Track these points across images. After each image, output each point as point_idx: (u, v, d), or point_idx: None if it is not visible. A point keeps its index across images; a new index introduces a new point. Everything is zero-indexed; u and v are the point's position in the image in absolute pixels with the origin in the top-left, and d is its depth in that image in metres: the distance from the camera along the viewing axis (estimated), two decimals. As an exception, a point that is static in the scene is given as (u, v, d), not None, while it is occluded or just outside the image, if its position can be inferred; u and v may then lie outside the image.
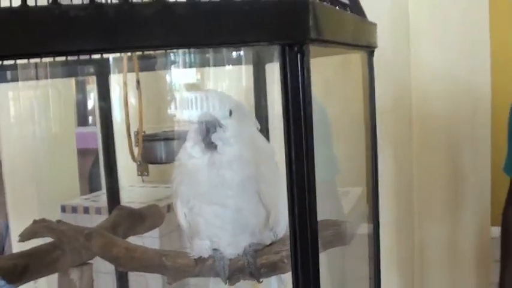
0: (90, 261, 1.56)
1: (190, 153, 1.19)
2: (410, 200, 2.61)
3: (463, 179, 2.56)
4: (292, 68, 0.93)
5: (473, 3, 2.41)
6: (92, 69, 1.96)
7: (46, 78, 2.07)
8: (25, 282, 1.44)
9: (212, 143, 1.16)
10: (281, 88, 0.93)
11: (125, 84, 1.54)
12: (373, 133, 1.44)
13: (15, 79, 1.88)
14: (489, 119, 2.48)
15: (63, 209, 3.18)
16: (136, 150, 1.71)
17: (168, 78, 1.84)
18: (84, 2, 0.72)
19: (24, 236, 1.53)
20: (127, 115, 1.56)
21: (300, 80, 0.93)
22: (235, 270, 1.27)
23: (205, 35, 0.82)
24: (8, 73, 1.88)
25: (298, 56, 0.94)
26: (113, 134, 1.87)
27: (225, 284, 1.28)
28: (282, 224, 1.26)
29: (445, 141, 2.54)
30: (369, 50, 1.46)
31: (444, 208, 2.56)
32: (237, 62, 1.83)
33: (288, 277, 1.40)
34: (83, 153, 4.05)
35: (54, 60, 1.75)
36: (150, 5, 0.75)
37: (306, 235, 0.97)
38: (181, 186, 1.24)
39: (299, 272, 1.00)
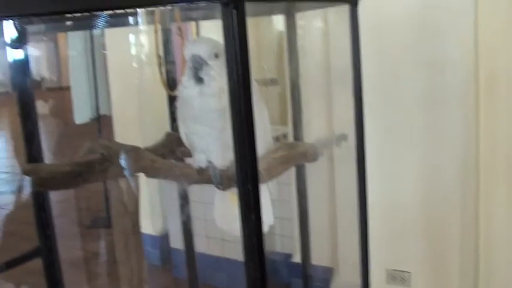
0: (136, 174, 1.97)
1: (185, 85, 1.55)
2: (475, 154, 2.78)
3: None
4: (228, 25, 1.24)
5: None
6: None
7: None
8: (77, 187, 1.88)
9: (200, 77, 1.51)
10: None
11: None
12: (358, 85, 1.70)
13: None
14: None
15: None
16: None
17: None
18: None
19: (82, 152, 1.96)
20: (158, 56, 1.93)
21: (235, 36, 1.25)
22: (226, 178, 1.62)
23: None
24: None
25: (234, 12, 1.24)
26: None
27: (218, 188, 1.65)
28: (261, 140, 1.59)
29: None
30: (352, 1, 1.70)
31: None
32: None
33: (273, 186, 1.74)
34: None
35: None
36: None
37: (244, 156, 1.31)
38: (182, 110, 1.61)
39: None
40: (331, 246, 3.60)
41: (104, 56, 4.58)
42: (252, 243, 1.35)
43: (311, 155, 1.60)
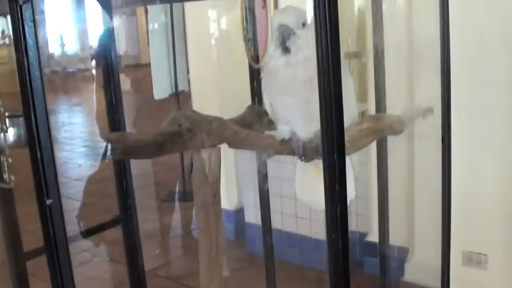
0: (219, 145, 1.99)
1: (272, 55, 1.55)
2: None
3: None
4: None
5: None
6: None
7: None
8: (161, 155, 1.93)
9: (287, 47, 1.51)
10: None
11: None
12: (446, 58, 1.66)
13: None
14: None
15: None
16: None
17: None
18: None
19: (166, 122, 2.00)
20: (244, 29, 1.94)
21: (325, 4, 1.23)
22: (309, 150, 1.62)
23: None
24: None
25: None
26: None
27: (301, 160, 1.64)
28: (347, 114, 1.57)
29: None
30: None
31: None
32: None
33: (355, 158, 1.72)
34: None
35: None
36: None
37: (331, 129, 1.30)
38: (266, 82, 1.61)
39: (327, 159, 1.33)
40: (407, 226, 3.56)
41: (184, 31, 4.64)
42: (336, 214, 1.35)
43: (397, 127, 1.58)
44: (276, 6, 3.02)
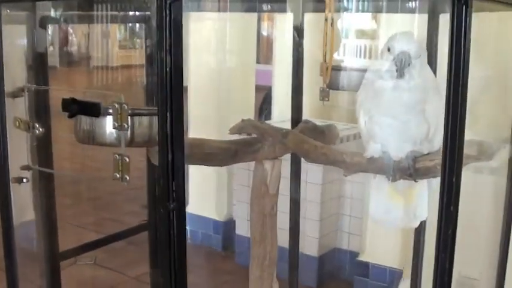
0: (280, 158, 2.00)
1: (383, 75, 1.58)
2: None
3: None
4: (458, 22, 1.27)
5: None
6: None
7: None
8: (233, 163, 1.92)
9: (403, 73, 1.55)
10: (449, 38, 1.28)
11: (326, 20, 1.94)
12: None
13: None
14: None
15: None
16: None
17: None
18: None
19: (234, 130, 1.99)
20: (325, 45, 1.97)
21: (462, 35, 1.28)
22: (398, 170, 1.65)
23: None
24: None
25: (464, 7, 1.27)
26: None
27: (389, 180, 1.68)
28: (438, 139, 1.60)
29: None
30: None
31: None
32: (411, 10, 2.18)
33: (437, 182, 1.76)
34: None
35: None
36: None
37: (453, 149, 1.36)
38: (367, 99, 1.64)
39: (446, 177, 1.39)
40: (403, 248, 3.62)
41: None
42: (447, 234, 1.38)
43: (489, 154, 1.63)
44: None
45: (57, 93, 1.93)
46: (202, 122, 4.15)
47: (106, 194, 5.29)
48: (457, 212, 1.40)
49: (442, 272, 1.41)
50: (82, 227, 4.33)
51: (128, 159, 1.35)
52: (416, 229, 2.26)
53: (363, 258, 3.80)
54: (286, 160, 2.07)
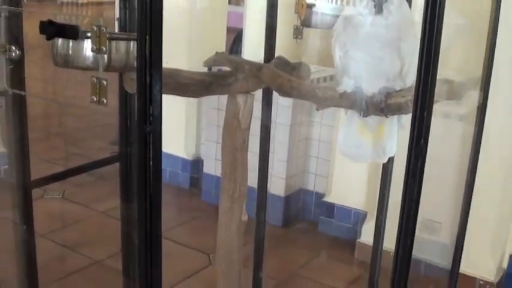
0: (253, 93, 2.01)
1: (361, 11, 1.60)
2: None
3: None
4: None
5: None
6: None
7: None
8: (206, 95, 1.93)
9: (382, 9, 1.57)
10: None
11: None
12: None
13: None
14: None
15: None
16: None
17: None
18: None
19: (207, 62, 1.99)
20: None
21: None
22: (370, 105, 1.68)
23: None
24: None
25: None
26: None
27: (360, 114, 1.71)
28: (411, 76, 1.64)
29: None
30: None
31: None
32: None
33: (407, 119, 1.81)
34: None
35: None
36: None
37: (426, 84, 1.39)
38: (343, 34, 1.66)
39: (417, 114, 1.42)
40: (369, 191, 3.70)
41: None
42: (417, 165, 1.43)
43: (459, 92, 1.67)
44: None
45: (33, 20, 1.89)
46: (173, 61, 4.12)
47: (75, 130, 5.28)
48: (427, 146, 1.44)
49: (410, 204, 1.45)
50: (52, 162, 4.32)
51: (105, 83, 1.36)
52: (383, 169, 2.30)
53: (328, 199, 3.88)
54: (257, 100, 2.08)
